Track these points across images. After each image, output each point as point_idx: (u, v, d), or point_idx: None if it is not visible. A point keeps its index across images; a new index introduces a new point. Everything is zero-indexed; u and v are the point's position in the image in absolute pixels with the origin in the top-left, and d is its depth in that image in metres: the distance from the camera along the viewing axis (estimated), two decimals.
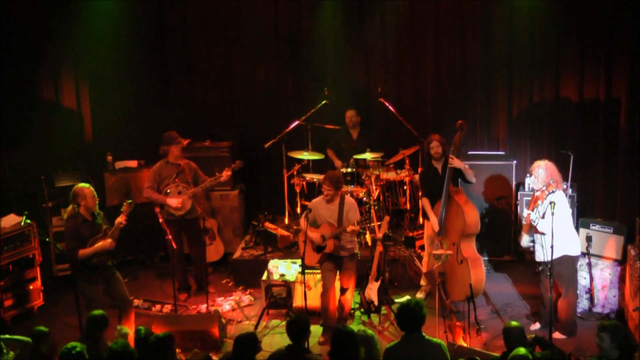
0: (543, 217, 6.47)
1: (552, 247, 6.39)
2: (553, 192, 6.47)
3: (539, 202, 6.55)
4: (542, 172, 6.59)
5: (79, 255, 6.42)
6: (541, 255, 6.59)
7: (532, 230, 6.68)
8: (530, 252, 8.39)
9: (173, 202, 7.64)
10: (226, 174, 7.79)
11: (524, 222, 6.85)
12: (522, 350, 4.76)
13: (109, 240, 6.51)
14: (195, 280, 8.18)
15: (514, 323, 5.35)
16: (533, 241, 6.79)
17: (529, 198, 6.88)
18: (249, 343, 5.02)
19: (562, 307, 6.71)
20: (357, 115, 8.83)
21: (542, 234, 6.51)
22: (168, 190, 7.65)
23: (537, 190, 6.64)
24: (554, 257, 6.41)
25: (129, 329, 6.56)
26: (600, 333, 4.90)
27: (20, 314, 7.58)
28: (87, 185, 6.65)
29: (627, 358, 4.78)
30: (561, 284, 6.66)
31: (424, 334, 5.00)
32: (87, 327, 5.52)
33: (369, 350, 4.91)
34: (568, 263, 6.63)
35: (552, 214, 6.36)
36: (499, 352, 6.01)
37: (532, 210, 6.59)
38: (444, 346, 5.01)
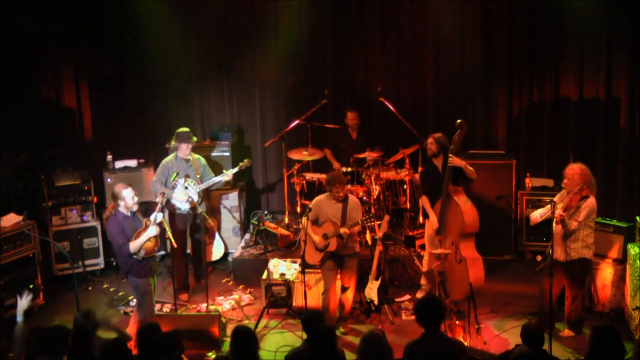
0: (579, 218, 6.48)
1: (551, 247, 6.45)
2: (586, 197, 6.49)
3: (572, 205, 6.54)
4: (575, 175, 6.56)
5: (130, 249, 6.50)
6: (560, 255, 6.61)
7: (554, 229, 6.64)
8: (530, 252, 8.46)
9: (180, 197, 7.66)
10: (233, 171, 7.98)
11: (536, 214, 6.85)
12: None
13: (153, 227, 6.60)
14: (195, 272, 8.19)
15: (532, 322, 5.16)
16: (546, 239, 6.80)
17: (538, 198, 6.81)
18: (247, 336, 4.99)
19: (574, 309, 6.74)
20: (358, 116, 8.84)
21: (571, 232, 6.53)
22: (174, 184, 7.68)
23: (568, 192, 6.62)
24: (574, 259, 6.56)
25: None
26: (593, 336, 4.81)
27: None
28: (126, 185, 6.69)
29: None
30: (574, 285, 6.69)
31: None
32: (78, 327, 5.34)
33: (371, 350, 4.86)
34: (585, 265, 6.70)
35: (553, 213, 6.43)
36: (499, 351, 6.03)
37: (564, 210, 6.53)
38: (463, 344, 5.00)
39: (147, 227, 6.61)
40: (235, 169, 8.09)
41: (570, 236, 6.56)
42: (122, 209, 6.60)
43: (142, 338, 5.06)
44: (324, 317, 5.19)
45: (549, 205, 6.81)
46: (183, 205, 7.75)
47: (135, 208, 6.67)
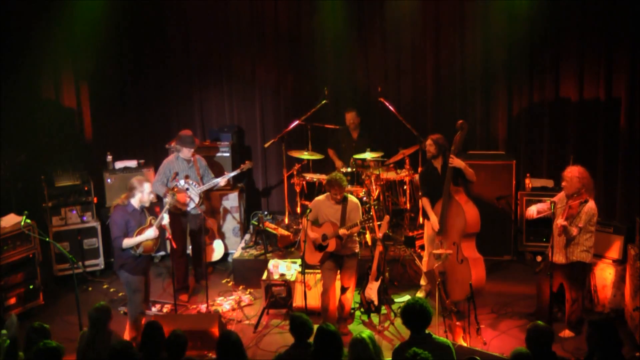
0: (580, 224, 6.49)
1: (551, 247, 6.50)
2: (586, 201, 6.50)
3: (572, 213, 6.56)
4: (573, 178, 6.58)
5: (122, 244, 6.51)
6: (560, 257, 6.63)
7: (555, 232, 6.64)
8: (530, 252, 8.45)
9: (181, 197, 7.68)
10: (234, 174, 8.05)
11: (533, 210, 6.88)
12: (524, 350, 4.73)
13: (152, 229, 6.61)
14: (195, 272, 8.20)
15: (541, 323, 5.09)
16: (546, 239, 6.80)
17: (539, 200, 6.83)
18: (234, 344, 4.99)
19: (574, 310, 6.76)
20: (358, 116, 8.82)
21: (572, 238, 6.55)
22: (175, 184, 7.67)
23: (567, 195, 6.64)
24: (573, 261, 6.58)
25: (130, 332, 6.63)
26: (589, 330, 4.86)
27: (21, 313, 7.57)
28: (146, 179, 6.71)
29: (615, 353, 4.75)
30: (574, 287, 6.70)
31: (431, 333, 5.02)
32: (96, 318, 5.49)
33: (361, 352, 4.87)
34: (584, 268, 6.72)
35: (553, 214, 6.42)
36: (499, 352, 6.04)
37: (565, 219, 6.53)
38: (452, 346, 5.01)
39: (150, 225, 6.62)
40: (237, 172, 8.12)
41: (571, 240, 6.56)
42: (134, 201, 6.62)
43: (148, 335, 5.12)
44: (312, 329, 5.18)
45: (543, 205, 6.82)
46: (183, 206, 7.74)
47: (147, 204, 6.72)
